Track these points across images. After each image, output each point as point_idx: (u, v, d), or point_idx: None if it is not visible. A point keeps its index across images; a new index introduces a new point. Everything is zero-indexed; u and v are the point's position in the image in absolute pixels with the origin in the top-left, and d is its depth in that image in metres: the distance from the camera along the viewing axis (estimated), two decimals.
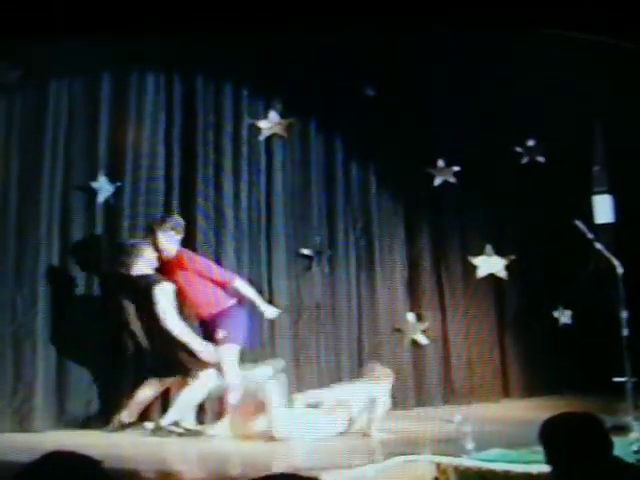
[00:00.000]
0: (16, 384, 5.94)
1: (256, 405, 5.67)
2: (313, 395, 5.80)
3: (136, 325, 5.96)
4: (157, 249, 6.02)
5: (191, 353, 5.76)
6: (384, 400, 5.67)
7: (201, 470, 4.92)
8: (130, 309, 5.96)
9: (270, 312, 6.23)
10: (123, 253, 5.97)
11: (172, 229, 6.05)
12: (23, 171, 6.15)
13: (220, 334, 5.87)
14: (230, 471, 4.81)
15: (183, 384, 5.83)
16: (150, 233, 6.08)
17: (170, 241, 6.04)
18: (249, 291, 6.11)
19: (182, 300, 6.03)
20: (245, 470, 4.71)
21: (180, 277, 5.98)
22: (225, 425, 5.74)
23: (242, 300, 6.10)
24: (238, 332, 5.96)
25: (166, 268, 6.05)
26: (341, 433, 5.53)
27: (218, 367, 5.82)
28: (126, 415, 5.85)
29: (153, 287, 5.78)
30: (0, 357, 5.93)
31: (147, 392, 5.90)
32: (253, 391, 5.71)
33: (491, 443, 4.74)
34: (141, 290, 5.82)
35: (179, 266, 6.00)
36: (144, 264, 5.90)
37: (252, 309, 6.20)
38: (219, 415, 6.00)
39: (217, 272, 6.07)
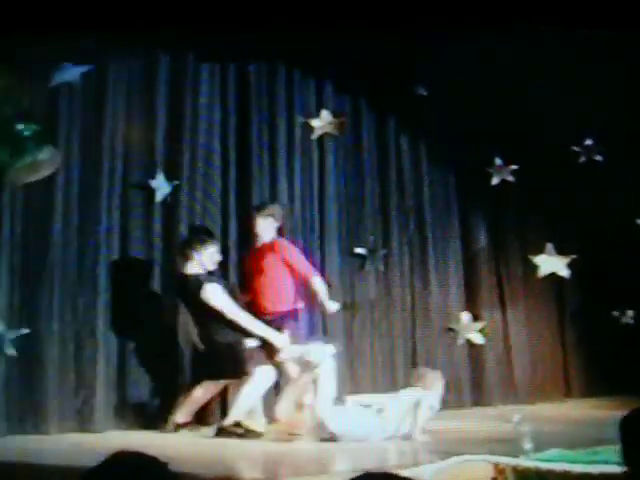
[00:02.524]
0: (78, 384, 6.00)
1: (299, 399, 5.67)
2: (364, 400, 5.75)
3: (190, 326, 6.00)
4: (254, 235, 6.09)
5: (246, 352, 5.70)
6: (431, 404, 5.59)
7: (257, 472, 4.92)
8: (184, 310, 6.00)
9: (332, 307, 6.16)
10: (186, 244, 5.95)
11: (271, 216, 6.13)
12: (84, 169, 6.23)
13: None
14: (282, 473, 4.80)
15: (241, 384, 5.73)
16: (249, 219, 6.17)
17: (268, 228, 6.11)
18: (321, 290, 6.04)
19: (257, 292, 6.06)
20: (298, 471, 4.70)
21: (268, 264, 6.01)
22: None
23: (309, 303, 6.12)
24: (300, 335, 5.96)
25: (257, 254, 6.09)
26: (388, 437, 5.48)
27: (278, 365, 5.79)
28: (180, 416, 5.86)
29: (201, 287, 5.69)
30: (63, 357, 5.99)
31: (202, 393, 5.90)
32: (305, 366, 5.69)
33: (550, 443, 4.67)
34: (189, 290, 5.78)
35: (272, 251, 6.03)
36: (199, 262, 5.82)
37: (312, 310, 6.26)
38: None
39: (303, 265, 6.07)
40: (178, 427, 5.83)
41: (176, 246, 6.16)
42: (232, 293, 5.95)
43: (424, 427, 5.44)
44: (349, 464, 4.94)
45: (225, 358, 5.73)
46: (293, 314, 6.01)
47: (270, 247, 6.08)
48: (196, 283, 5.74)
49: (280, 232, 6.31)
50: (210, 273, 5.91)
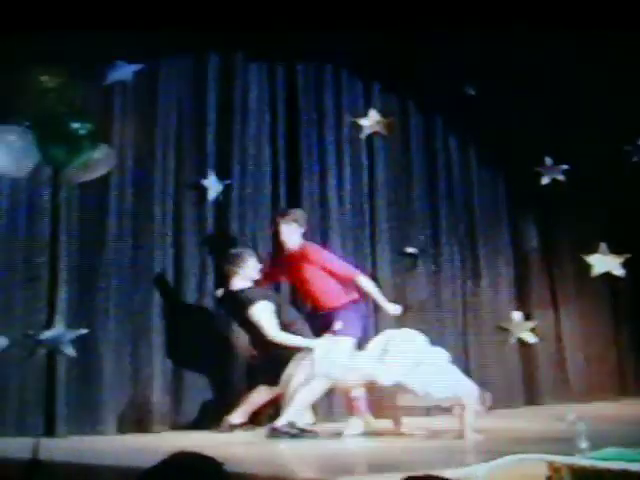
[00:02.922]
0: (135, 385, 6.08)
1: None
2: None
3: (243, 333, 6.05)
4: (279, 242, 6.09)
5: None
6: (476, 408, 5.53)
7: (310, 472, 4.93)
8: (235, 319, 6.06)
9: (394, 309, 6.15)
10: (226, 261, 6.02)
11: (294, 221, 6.10)
12: (137, 168, 6.32)
13: (336, 326, 5.85)
14: (334, 473, 4.80)
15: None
16: (273, 226, 6.18)
17: (292, 234, 6.09)
18: (371, 288, 6.07)
19: (302, 294, 6.09)
20: (350, 471, 4.70)
21: (303, 271, 5.98)
22: (358, 422, 5.72)
23: (363, 296, 6.06)
24: (354, 325, 5.93)
25: (288, 261, 6.08)
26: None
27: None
28: (236, 416, 5.90)
29: (250, 306, 5.80)
30: (119, 357, 6.07)
31: (258, 397, 5.93)
32: None
33: (606, 442, 4.61)
34: (240, 305, 5.86)
35: (303, 259, 6.00)
36: (244, 276, 5.92)
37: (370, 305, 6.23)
38: (349, 411, 5.86)
39: (341, 267, 6.05)
40: (233, 427, 5.87)
41: (222, 264, 6.14)
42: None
43: (473, 426, 5.42)
44: (399, 463, 4.93)
45: (282, 365, 5.78)
46: (345, 307, 5.96)
47: (302, 255, 6.03)
48: (246, 299, 5.84)
49: (305, 237, 6.28)
50: (256, 282, 5.98)
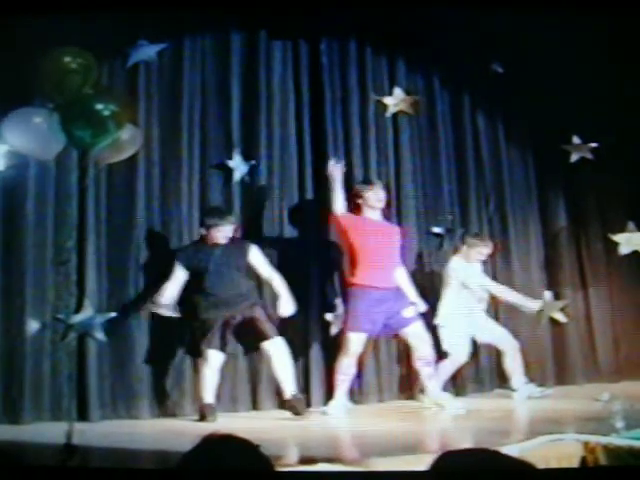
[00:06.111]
0: (167, 368, 6.09)
1: None
2: None
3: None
4: (367, 205, 6.18)
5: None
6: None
7: (345, 452, 4.92)
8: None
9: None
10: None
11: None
12: (163, 149, 6.31)
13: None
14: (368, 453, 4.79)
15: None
16: (357, 197, 6.21)
17: (377, 201, 6.20)
18: (405, 281, 6.19)
19: (368, 260, 6.04)
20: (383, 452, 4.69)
21: (396, 246, 6.16)
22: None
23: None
24: (354, 318, 5.94)
25: (386, 233, 6.18)
26: None
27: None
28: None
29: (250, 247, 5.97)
30: (151, 341, 6.06)
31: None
32: None
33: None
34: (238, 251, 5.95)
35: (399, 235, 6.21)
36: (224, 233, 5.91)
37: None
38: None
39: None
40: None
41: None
42: None
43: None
44: (433, 444, 4.92)
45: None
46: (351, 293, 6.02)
47: (397, 231, 6.25)
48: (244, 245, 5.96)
49: None
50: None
